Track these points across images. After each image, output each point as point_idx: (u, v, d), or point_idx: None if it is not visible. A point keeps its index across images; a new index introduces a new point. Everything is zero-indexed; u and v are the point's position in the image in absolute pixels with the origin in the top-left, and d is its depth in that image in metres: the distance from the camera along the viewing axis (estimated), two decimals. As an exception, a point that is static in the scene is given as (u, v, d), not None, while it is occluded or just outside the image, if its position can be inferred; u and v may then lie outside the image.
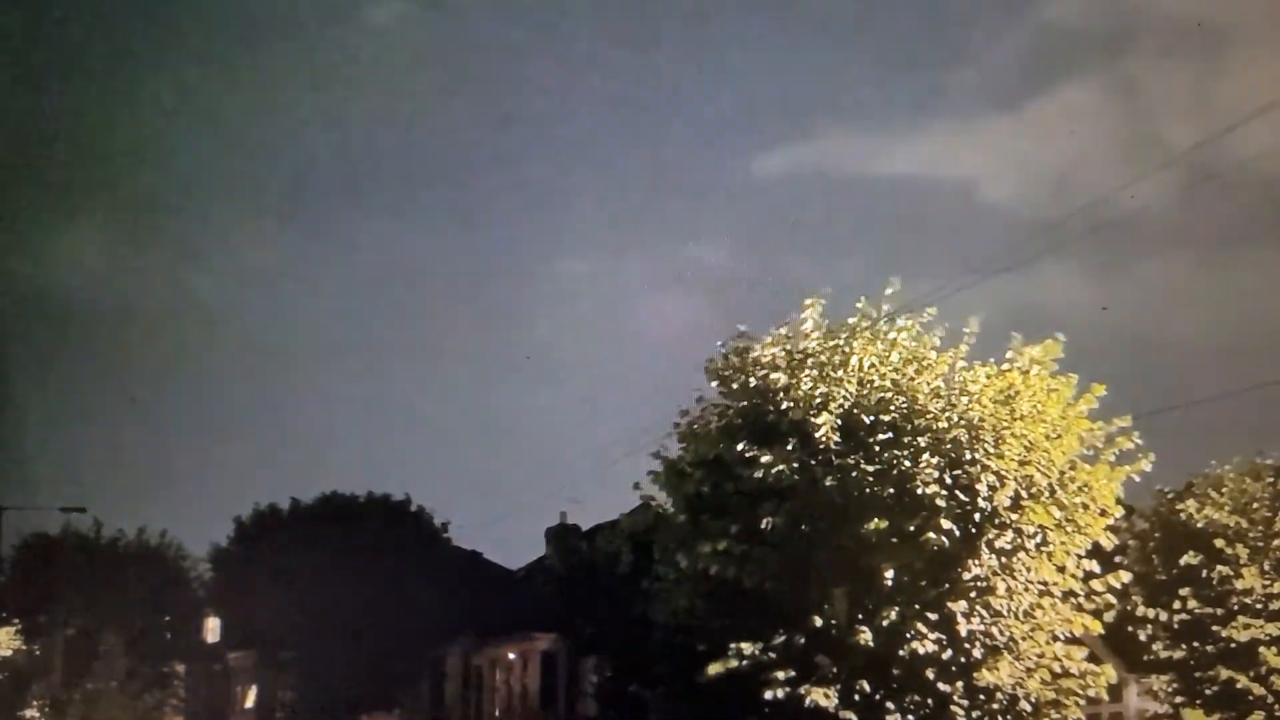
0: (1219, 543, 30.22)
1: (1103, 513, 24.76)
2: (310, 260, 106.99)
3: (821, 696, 23.63)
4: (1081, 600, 24.89)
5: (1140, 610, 30.99)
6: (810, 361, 24.73)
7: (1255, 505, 30.55)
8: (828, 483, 23.93)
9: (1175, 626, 30.89)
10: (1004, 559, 24.20)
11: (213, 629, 66.08)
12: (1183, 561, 30.62)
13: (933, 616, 23.89)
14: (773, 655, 24.19)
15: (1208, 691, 30.58)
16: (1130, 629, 31.24)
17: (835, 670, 23.86)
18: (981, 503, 23.77)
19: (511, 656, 54.72)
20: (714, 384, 25.90)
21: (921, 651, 23.67)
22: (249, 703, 69.26)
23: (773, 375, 24.85)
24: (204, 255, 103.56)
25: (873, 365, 24.59)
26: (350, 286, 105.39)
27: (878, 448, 24.06)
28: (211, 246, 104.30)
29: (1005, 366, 24.82)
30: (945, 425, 24.07)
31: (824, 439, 23.96)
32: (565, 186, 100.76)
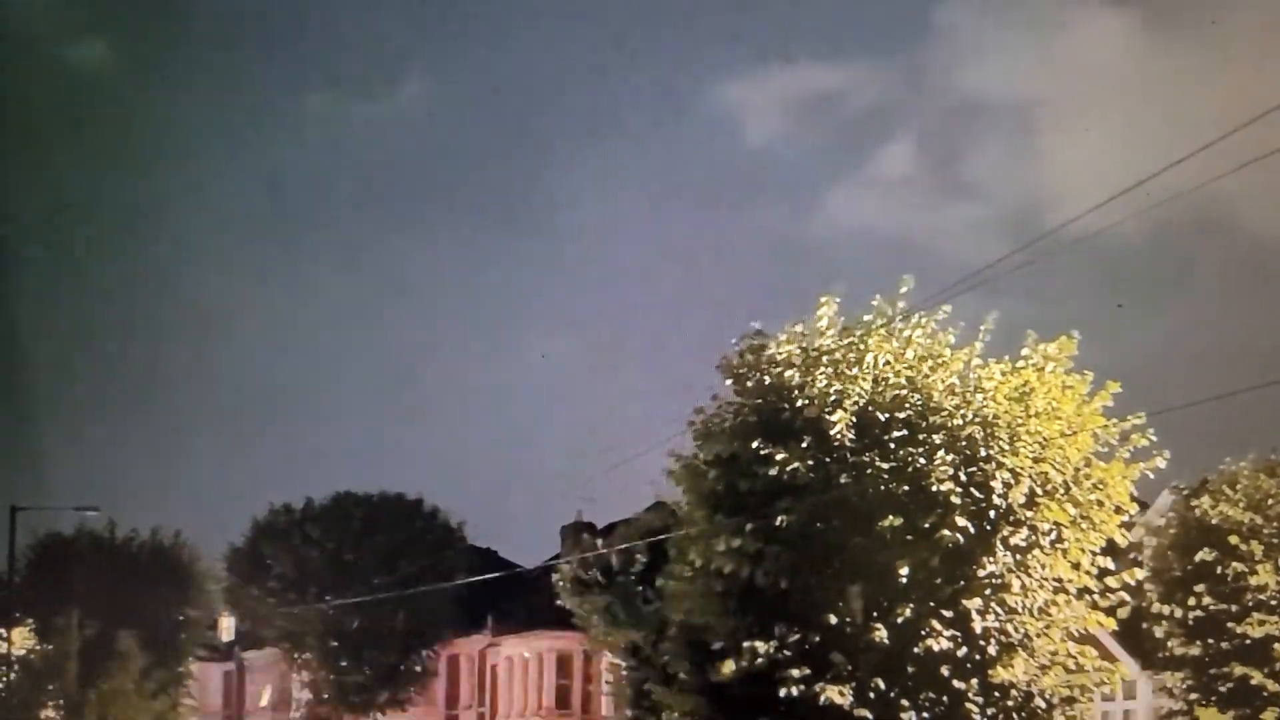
0: (1234, 539, 30.22)
1: (1117, 509, 24.74)
2: (325, 260, 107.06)
3: (836, 694, 23.63)
4: (1096, 597, 24.86)
5: (1155, 607, 31.00)
6: (825, 359, 24.72)
7: (1270, 502, 30.55)
8: (843, 480, 23.94)
9: (1190, 623, 30.88)
10: (1019, 556, 24.19)
11: (227, 628, 66.18)
12: (1197, 558, 30.62)
13: (948, 614, 23.87)
14: (788, 653, 24.18)
15: (1222, 688, 30.59)
16: (1145, 626, 31.26)
17: (850, 668, 23.86)
18: (996, 500, 23.78)
19: (526, 655, 54.80)
20: (729, 381, 25.90)
21: (936, 649, 23.66)
22: (264, 701, 69.42)
23: (787, 373, 24.85)
24: (218, 253, 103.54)
25: (888, 362, 24.59)
26: (364, 286, 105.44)
27: (893, 445, 24.07)
28: (226, 244, 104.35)
29: (1020, 364, 24.81)
30: (960, 422, 24.08)
31: (839, 436, 23.96)
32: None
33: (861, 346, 24.66)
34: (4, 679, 54.45)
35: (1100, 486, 24.56)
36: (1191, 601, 30.71)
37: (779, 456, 24.02)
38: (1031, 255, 21.01)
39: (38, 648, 55.81)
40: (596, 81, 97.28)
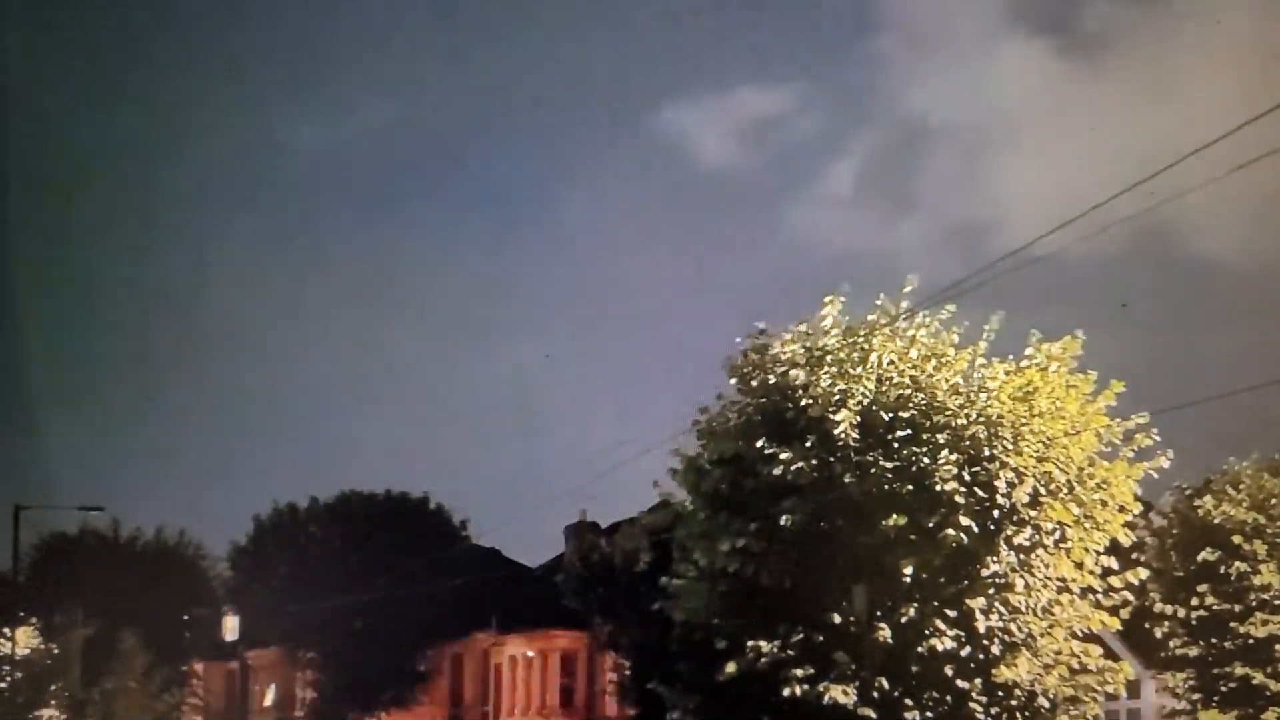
0: (1237, 539, 30.21)
1: (1121, 509, 24.70)
2: (328, 259, 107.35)
3: (840, 694, 23.60)
4: (1099, 597, 24.83)
5: (1158, 607, 31.00)
6: (829, 358, 24.69)
7: (1273, 501, 30.53)
8: (847, 480, 23.91)
9: (1193, 623, 30.88)
10: (1022, 556, 24.16)
11: (231, 627, 66.15)
12: (1200, 558, 30.61)
13: (951, 613, 23.84)
14: (791, 653, 24.15)
15: (1225, 688, 30.58)
16: (1148, 626, 31.25)
17: (854, 667, 23.82)
18: (1000, 499, 23.74)
19: (530, 654, 54.77)
20: (733, 381, 25.88)
21: (940, 648, 23.63)
22: (268, 700, 69.43)
23: (792, 372, 24.81)
24: (222, 253, 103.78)
25: (892, 362, 24.56)
26: (369, 285, 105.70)
27: (897, 445, 24.04)
28: (231, 245, 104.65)
29: (1024, 363, 24.79)
30: (964, 422, 24.04)
31: (843, 436, 23.92)
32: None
33: (865, 346, 24.63)
34: (8, 678, 54.39)
35: (1104, 486, 24.53)
36: (1194, 601, 30.70)
37: (783, 456, 24.00)
38: (1027, 259, 20.96)
39: (41, 647, 55.78)
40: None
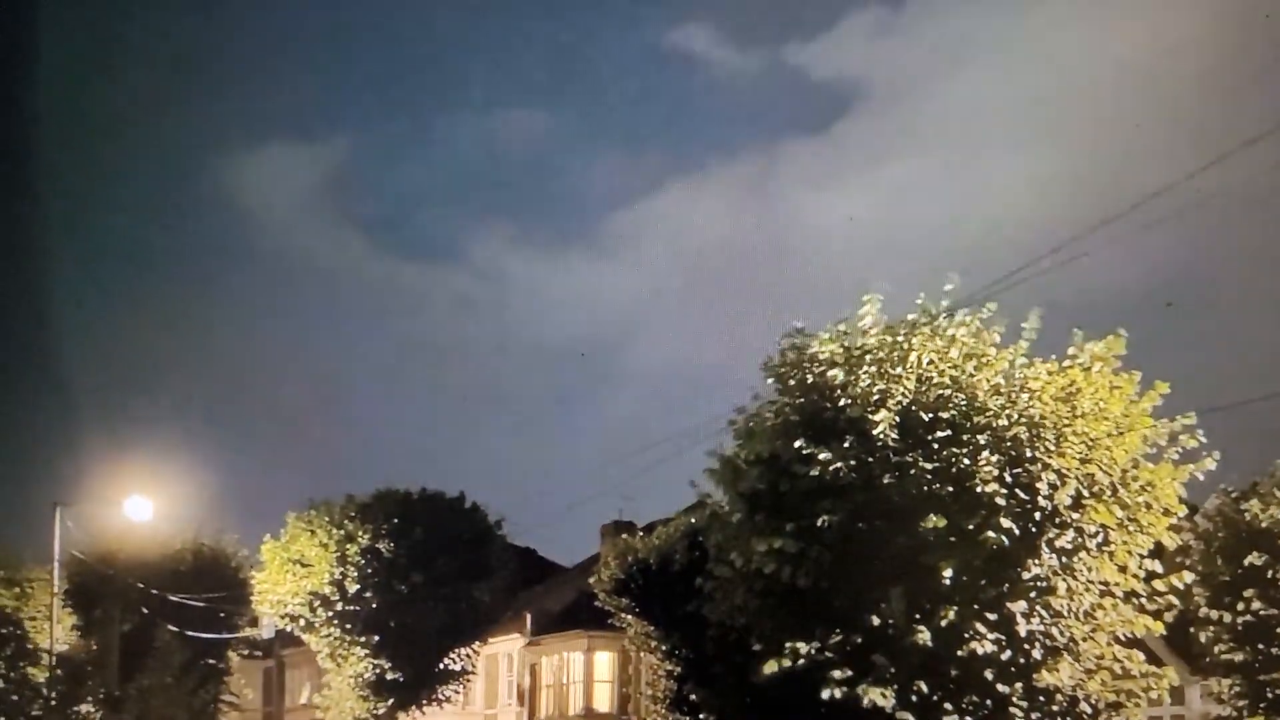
0: (1284, 543, 29.83)
1: (1165, 512, 24.37)
2: (364, 257, 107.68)
3: (879, 696, 23.37)
4: (1143, 601, 24.51)
5: (1203, 612, 30.63)
6: (868, 358, 24.42)
7: (1321, 505, 30.12)
8: (885, 481, 23.64)
9: (1239, 628, 30.50)
10: (1065, 559, 23.86)
11: (267, 625, 66.16)
12: (1247, 562, 30.22)
13: (992, 616, 23.56)
14: (829, 654, 23.92)
15: (1272, 694, 30.19)
16: (1193, 631, 30.90)
17: (892, 670, 23.59)
18: (1042, 501, 23.44)
19: (566, 654, 54.66)
20: (770, 381, 25.64)
21: (980, 652, 23.36)
22: (303, 698, 69.52)
23: (830, 372, 24.56)
24: (260, 251, 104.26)
25: (931, 362, 24.26)
26: (404, 281, 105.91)
27: (936, 445, 23.74)
28: (272, 242, 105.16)
29: (1067, 363, 24.45)
30: (1005, 423, 23.74)
31: (882, 436, 23.66)
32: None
33: (905, 345, 24.34)
34: (47, 673, 54.45)
35: (1148, 488, 24.20)
36: (1240, 606, 30.31)
37: (821, 456, 23.74)
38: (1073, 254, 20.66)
39: (79, 643, 55.88)
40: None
